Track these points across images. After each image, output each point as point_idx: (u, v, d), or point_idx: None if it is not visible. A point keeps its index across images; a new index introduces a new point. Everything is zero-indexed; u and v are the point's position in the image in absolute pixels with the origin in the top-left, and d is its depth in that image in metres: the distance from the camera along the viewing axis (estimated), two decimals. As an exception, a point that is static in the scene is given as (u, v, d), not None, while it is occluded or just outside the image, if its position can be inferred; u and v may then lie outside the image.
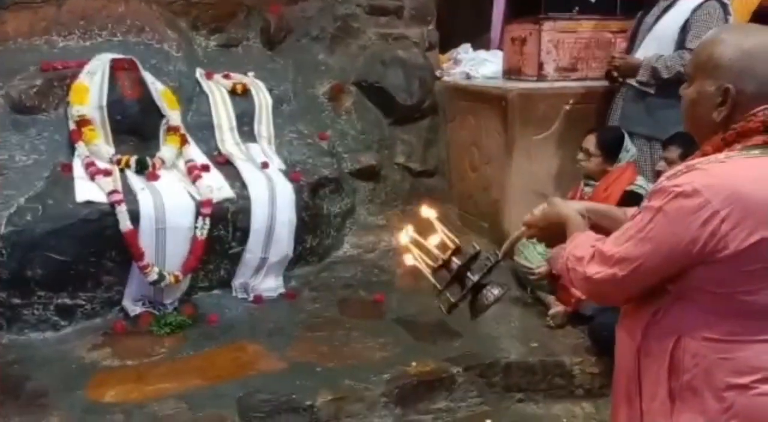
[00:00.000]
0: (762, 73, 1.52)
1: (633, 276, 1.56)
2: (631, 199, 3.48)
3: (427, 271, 1.84)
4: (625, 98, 4.24)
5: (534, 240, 2.00)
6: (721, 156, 1.53)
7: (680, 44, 3.96)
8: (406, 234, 1.87)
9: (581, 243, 1.70)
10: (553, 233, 1.87)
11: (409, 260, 1.87)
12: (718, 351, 1.52)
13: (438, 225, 1.87)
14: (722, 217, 1.44)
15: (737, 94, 1.53)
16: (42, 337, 3.60)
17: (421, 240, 1.86)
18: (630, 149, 3.89)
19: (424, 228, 1.88)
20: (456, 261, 1.82)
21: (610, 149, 3.85)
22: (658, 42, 4.08)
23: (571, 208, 1.85)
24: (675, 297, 1.56)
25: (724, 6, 3.96)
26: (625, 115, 4.20)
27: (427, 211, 1.90)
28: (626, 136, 3.93)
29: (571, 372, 3.52)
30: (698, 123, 1.62)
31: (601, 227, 1.87)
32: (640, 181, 3.77)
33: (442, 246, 1.84)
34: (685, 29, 3.96)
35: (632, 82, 4.16)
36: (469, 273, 1.83)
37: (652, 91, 4.03)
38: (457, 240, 1.85)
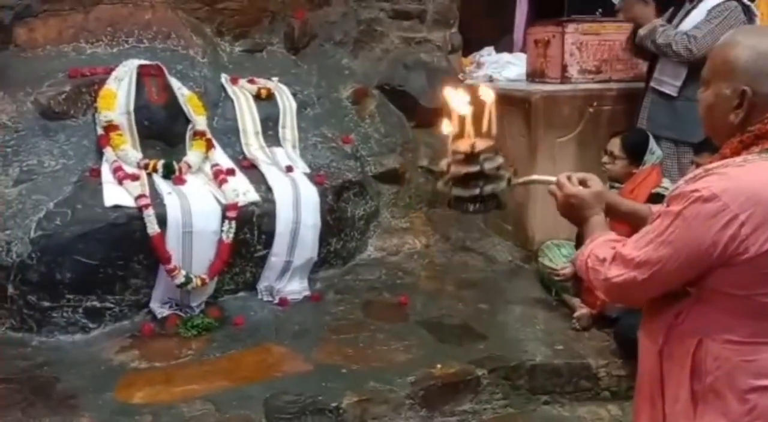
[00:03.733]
0: None
1: (653, 280, 1.56)
2: (657, 201, 3.42)
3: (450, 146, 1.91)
4: (650, 103, 4.23)
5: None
6: (739, 159, 1.53)
7: None
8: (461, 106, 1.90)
9: (602, 244, 1.71)
10: (569, 211, 1.87)
11: (446, 128, 1.92)
12: (741, 354, 1.52)
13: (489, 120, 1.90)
14: (742, 221, 1.44)
15: (754, 96, 1.52)
16: (71, 340, 3.65)
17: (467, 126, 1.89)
18: (655, 151, 3.86)
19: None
20: (482, 163, 1.87)
21: (635, 152, 3.83)
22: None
23: (599, 208, 1.84)
24: (696, 299, 1.56)
25: (746, 7, 3.94)
26: (651, 119, 4.19)
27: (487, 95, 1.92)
28: (651, 138, 3.91)
29: (597, 374, 3.51)
30: (716, 126, 1.62)
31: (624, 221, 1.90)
32: (665, 183, 3.74)
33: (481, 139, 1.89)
34: (708, 16, 3.97)
35: (654, 85, 4.14)
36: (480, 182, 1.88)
37: (674, 94, 4.02)
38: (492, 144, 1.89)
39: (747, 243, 1.45)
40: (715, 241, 1.46)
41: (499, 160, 1.91)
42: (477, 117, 1.90)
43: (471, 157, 1.87)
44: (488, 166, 1.87)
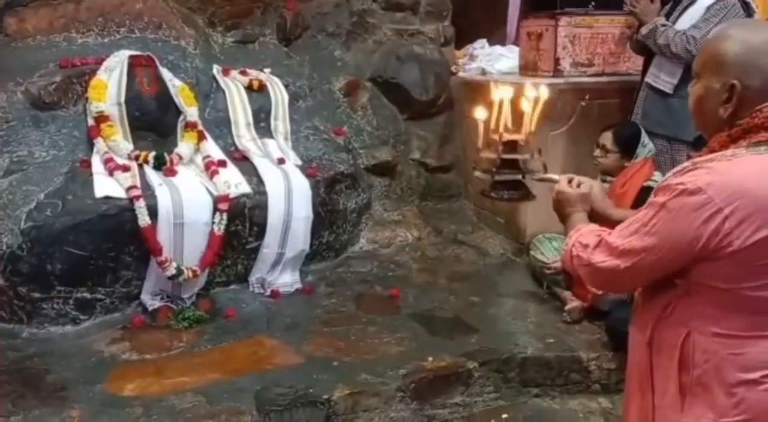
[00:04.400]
0: None
1: (635, 269, 1.57)
2: (648, 194, 3.43)
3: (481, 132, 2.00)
4: (645, 99, 4.21)
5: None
6: (727, 153, 1.53)
7: None
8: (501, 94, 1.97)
9: (586, 233, 1.73)
10: (556, 207, 1.94)
11: (480, 114, 2.00)
12: (728, 347, 1.53)
13: (533, 119, 1.98)
14: (725, 215, 1.45)
15: (743, 90, 1.53)
16: (61, 331, 3.64)
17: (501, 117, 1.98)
18: (647, 144, 3.87)
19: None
20: (510, 153, 1.98)
21: (627, 145, 3.84)
22: (689, 23, 4.05)
23: (581, 208, 1.89)
24: (683, 292, 1.57)
25: (745, 4, 3.91)
26: (646, 115, 4.18)
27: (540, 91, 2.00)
28: (643, 131, 3.91)
29: (588, 367, 3.51)
30: (706, 120, 1.63)
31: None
32: (657, 176, 3.75)
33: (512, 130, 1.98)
34: (708, 11, 3.93)
35: (650, 81, 4.12)
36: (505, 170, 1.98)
37: (669, 91, 4.01)
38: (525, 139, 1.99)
39: (731, 237, 1.45)
40: (698, 234, 1.47)
41: (526, 155, 2.00)
42: (514, 110, 1.98)
43: (508, 145, 1.96)
44: (508, 156, 1.94)
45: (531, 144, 2.02)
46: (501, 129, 1.97)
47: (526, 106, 1.99)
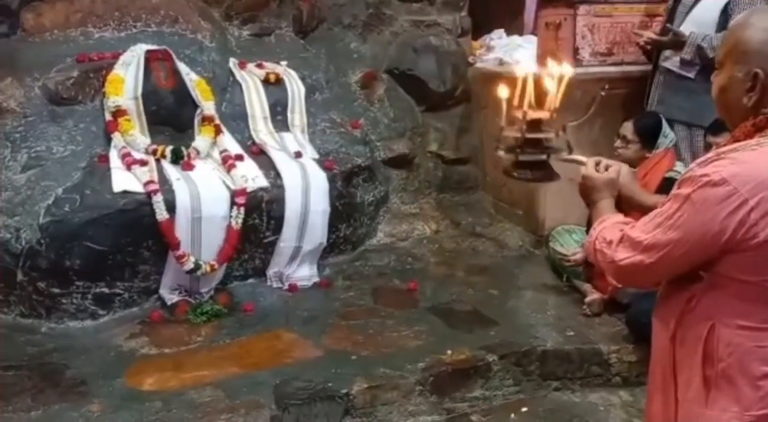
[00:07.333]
0: None
1: (660, 263, 1.55)
2: (670, 185, 3.39)
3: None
4: (661, 84, 4.15)
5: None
6: (752, 142, 1.50)
7: (722, 27, 3.83)
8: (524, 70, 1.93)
9: (611, 226, 1.69)
10: (582, 193, 1.87)
11: (502, 92, 1.94)
12: (753, 340, 1.50)
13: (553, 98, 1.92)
14: (751, 206, 1.42)
15: (766, 79, 1.50)
16: (81, 326, 3.66)
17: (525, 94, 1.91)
18: (668, 135, 3.83)
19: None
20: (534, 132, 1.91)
21: (649, 135, 3.80)
22: (698, 25, 3.97)
23: (608, 194, 1.82)
24: (708, 284, 1.55)
25: None
26: (663, 102, 4.12)
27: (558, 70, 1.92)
28: (664, 121, 3.86)
29: (608, 360, 3.49)
30: (729, 109, 1.60)
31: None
32: (679, 167, 3.71)
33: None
34: (726, 12, 3.85)
35: (668, 66, 4.05)
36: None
37: (691, 76, 3.94)
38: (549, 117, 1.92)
39: (756, 228, 1.43)
40: (723, 227, 1.44)
41: (551, 133, 1.93)
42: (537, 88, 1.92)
43: (531, 124, 1.90)
44: (532, 135, 1.88)
45: (555, 122, 1.94)
46: (525, 107, 1.90)
47: (549, 83, 1.92)
